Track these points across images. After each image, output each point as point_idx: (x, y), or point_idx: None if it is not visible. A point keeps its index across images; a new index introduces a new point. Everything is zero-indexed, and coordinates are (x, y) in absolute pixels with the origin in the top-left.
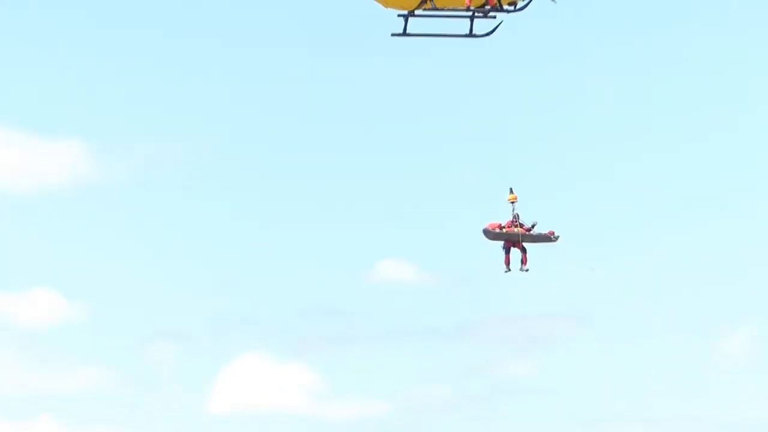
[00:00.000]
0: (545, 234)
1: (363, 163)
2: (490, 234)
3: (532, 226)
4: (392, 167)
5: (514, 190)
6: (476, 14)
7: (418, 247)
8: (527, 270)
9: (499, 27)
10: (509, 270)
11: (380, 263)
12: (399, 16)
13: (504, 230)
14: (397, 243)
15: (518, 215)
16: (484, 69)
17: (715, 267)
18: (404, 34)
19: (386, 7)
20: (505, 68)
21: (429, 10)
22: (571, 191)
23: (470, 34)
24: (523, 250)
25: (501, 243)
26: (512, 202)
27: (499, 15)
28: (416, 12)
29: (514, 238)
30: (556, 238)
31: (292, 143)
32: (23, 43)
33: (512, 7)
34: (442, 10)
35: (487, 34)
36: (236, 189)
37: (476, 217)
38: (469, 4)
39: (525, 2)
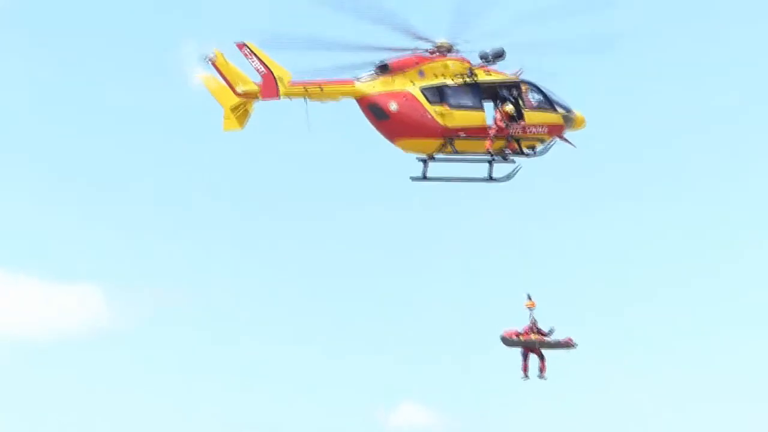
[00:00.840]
0: (563, 341)
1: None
2: (507, 341)
3: (550, 332)
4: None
5: (531, 297)
6: (495, 158)
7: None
8: (545, 378)
9: (518, 171)
10: (527, 377)
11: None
12: (419, 160)
13: (521, 338)
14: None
15: (536, 321)
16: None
17: None
18: (424, 178)
19: (406, 151)
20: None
21: (449, 154)
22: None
23: (490, 178)
24: (541, 358)
25: (519, 349)
26: (530, 308)
27: (519, 159)
28: (436, 156)
29: (531, 345)
30: (575, 346)
31: (299, 272)
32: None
33: (532, 151)
34: (462, 154)
35: (507, 178)
36: (252, 325)
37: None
38: (489, 148)
39: (545, 146)
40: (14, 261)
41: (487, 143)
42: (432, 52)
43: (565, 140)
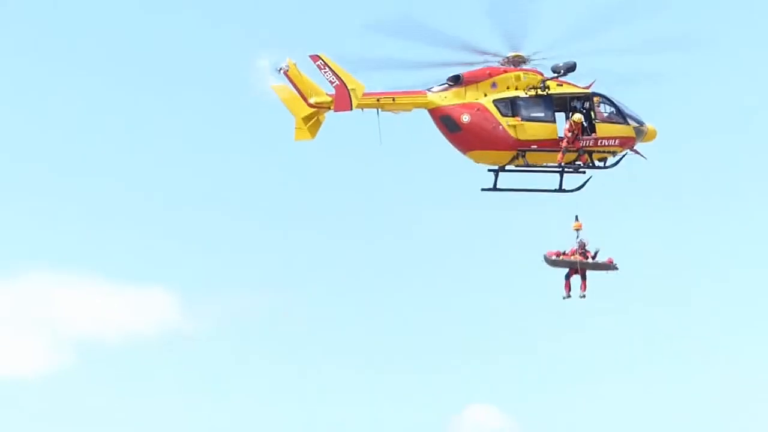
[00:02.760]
0: (605, 262)
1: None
2: (549, 261)
3: (596, 254)
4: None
5: (579, 218)
6: (566, 170)
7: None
8: (584, 296)
9: (588, 182)
10: (569, 296)
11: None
12: (489, 171)
13: (561, 258)
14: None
15: (584, 243)
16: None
17: None
18: (494, 189)
19: (477, 163)
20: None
21: (520, 166)
22: None
23: (560, 189)
24: (583, 277)
25: (565, 270)
26: (577, 230)
27: (589, 171)
28: (507, 167)
29: (573, 265)
30: (616, 267)
31: (377, 290)
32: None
33: (602, 164)
34: (534, 165)
35: (577, 189)
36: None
37: None
38: (561, 160)
39: (616, 159)
40: (86, 262)
41: (559, 156)
42: (504, 64)
43: (637, 152)
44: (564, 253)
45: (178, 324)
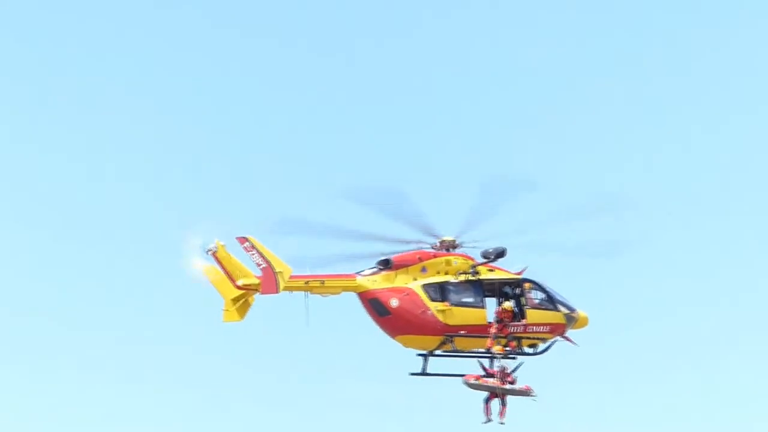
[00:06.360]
0: (522, 389)
1: None
2: (469, 384)
3: (516, 368)
4: None
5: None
6: (497, 356)
7: None
8: (503, 423)
9: (519, 368)
10: (489, 420)
11: None
12: (418, 355)
13: (481, 382)
14: None
15: (505, 368)
16: None
17: None
18: (423, 373)
19: (406, 347)
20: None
21: (449, 351)
22: None
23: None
24: (503, 404)
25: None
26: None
27: (520, 357)
28: (436, 352)
29: (492, 390)
30: (534, 395)
31: None
32: None
33: (532, 350)
34: (463, 351)
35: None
36: None
37: None
38: (490, 346)
39: (546, 345)
40: None
41: (488, 342)
42: (436, 248)
43: (568, 339)
44: (480, 377)
45: None
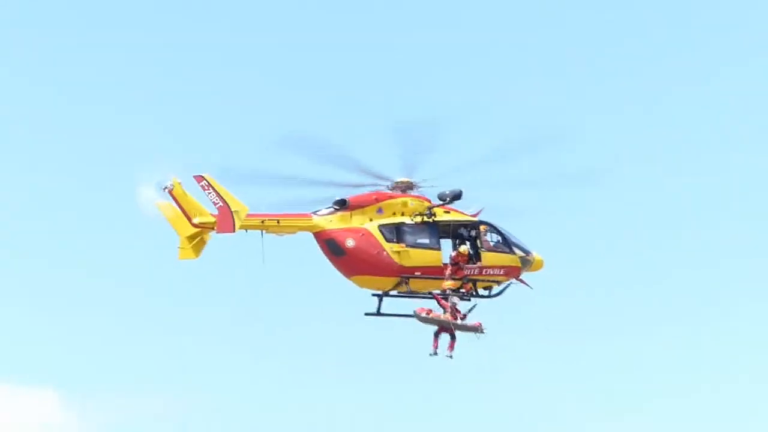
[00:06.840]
0: (473, 325)
1: None
2: (419, 318)
3: (470, 310)
4: None
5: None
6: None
7: None
8: (451, 356)
9: (473, 309)
10: (435, 353)
11: None
12: (373, 295)
13: (431, 316)
14: None
15: (455, 303)
16: None
17: None
18: (378, 313)
19: (361, 287)
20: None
21: (404, 292)
22: None
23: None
24: (452, 338)
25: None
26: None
27: (474, 299)
28: (390, 293)
29: (441, 324)
30: (483, 331)
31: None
32: None
33: (487, 292)
34: (418, 292)
35: (463, 317)
36: None
37: None
38: (445, 288)
39: (501, 288)
40: None
41: (443, 283)
42: (392, 189)
43: (523, 282)
44: (431, 310)
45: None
